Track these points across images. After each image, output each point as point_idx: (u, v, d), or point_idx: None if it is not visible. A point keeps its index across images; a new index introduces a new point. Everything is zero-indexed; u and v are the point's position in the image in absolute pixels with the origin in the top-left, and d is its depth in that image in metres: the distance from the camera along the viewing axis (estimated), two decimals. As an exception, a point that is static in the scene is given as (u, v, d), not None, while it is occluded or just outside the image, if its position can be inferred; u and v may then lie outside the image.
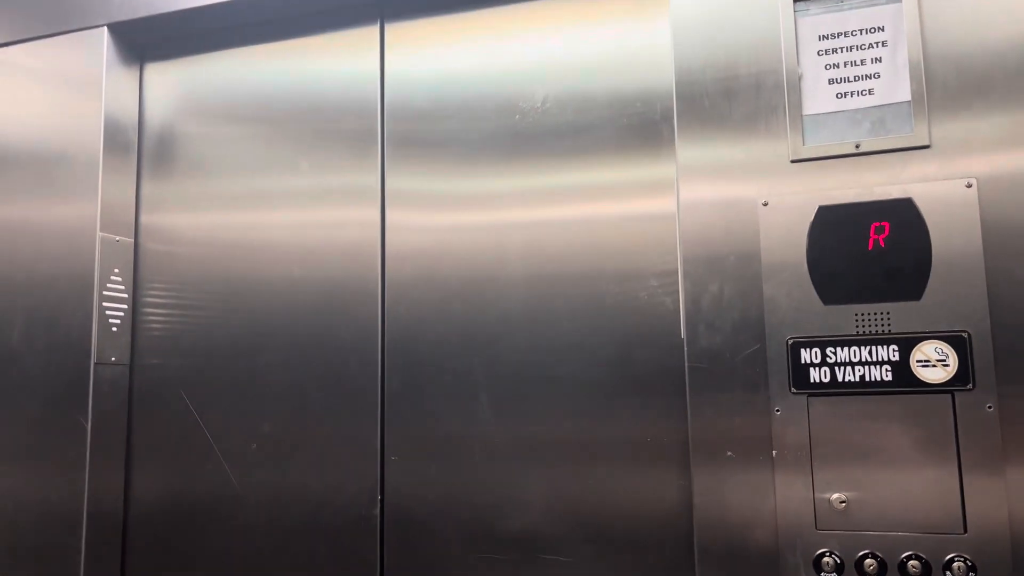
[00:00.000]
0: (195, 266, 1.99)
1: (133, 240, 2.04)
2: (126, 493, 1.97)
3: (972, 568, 1.31)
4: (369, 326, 1.83)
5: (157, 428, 1.97)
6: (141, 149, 2.08)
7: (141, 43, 2.10)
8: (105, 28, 2.02)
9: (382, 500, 1.77)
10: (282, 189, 1.95)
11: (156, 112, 2.09)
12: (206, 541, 1.90)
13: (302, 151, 1.94)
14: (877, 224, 1.41)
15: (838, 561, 1.37)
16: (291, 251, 1.92)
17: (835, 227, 1.43)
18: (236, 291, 1.95)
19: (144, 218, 2.06)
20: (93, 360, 1.91)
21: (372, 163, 1.88)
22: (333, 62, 1.95)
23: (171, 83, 2.09)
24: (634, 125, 1.70)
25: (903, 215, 1.40)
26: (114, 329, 1.98)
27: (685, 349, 1.50)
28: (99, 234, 1.94)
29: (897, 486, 1.36)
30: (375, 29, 1.93)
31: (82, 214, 1.96)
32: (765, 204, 1.48)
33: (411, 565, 1.74)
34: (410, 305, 1.81)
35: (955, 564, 1.31)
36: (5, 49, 2.09)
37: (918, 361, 1.36)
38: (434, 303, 1.79)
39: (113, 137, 2.01)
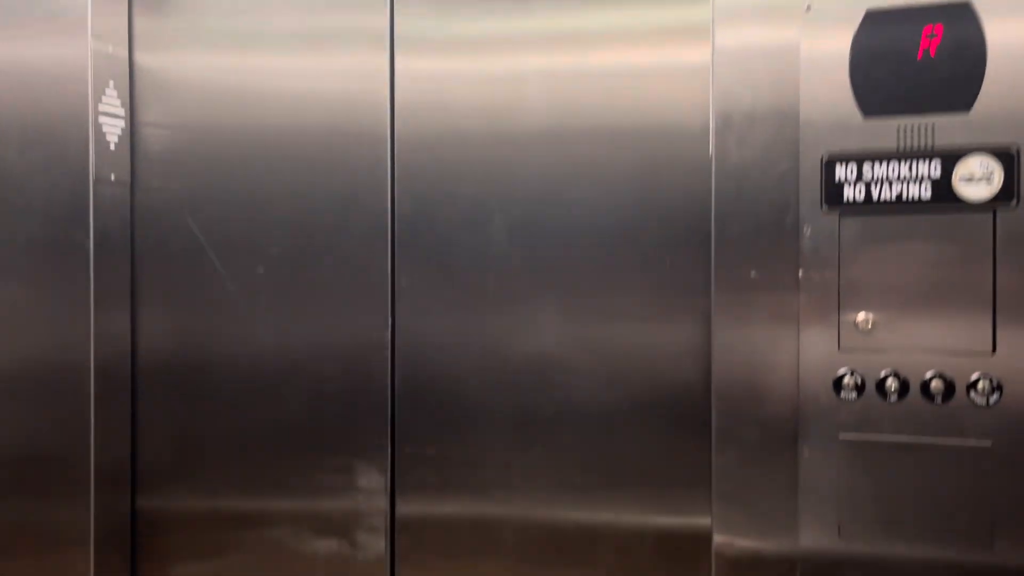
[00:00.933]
0: (195, 90, 1.89)
1: (127, 53, 1.93)
2: (133, 317, 1.94)
3: (997, 388, 1.28)
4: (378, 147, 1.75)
5: (161, 251, 1.92)
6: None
7: None
8: None
9: (393, 325, 1.74)
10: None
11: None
12: (213, 367, 1.88)
13: None
14: (929, 29, 1.30)
15: (859, 381, 1.34)
16: (295, 100, 1.81)
17: (882, 33, 1.33)
18: (241, 123, 1.86)
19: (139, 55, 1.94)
20: (92, 177, 1.84)
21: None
22: None
23: None
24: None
25: (959, 20, 1.29)
26: (112, 147, 1.89)
27: (713, 167, 1.43)
28: (91, 44, 1.83)
29: (927, 306, 1.32)
30: None
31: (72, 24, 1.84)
32: (808, 9, 1.37)
33: (423, 392, 1.73)
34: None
35: (980, 384, 1.29)
36: None
37: (961, 177, 1.29)
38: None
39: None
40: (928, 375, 1.31)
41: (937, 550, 1.32)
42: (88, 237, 1.84)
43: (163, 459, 1.91)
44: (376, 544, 1.74)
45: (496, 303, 1.67)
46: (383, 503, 1.73)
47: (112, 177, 1.89)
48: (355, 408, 1.78)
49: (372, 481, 1.75)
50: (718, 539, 1.44)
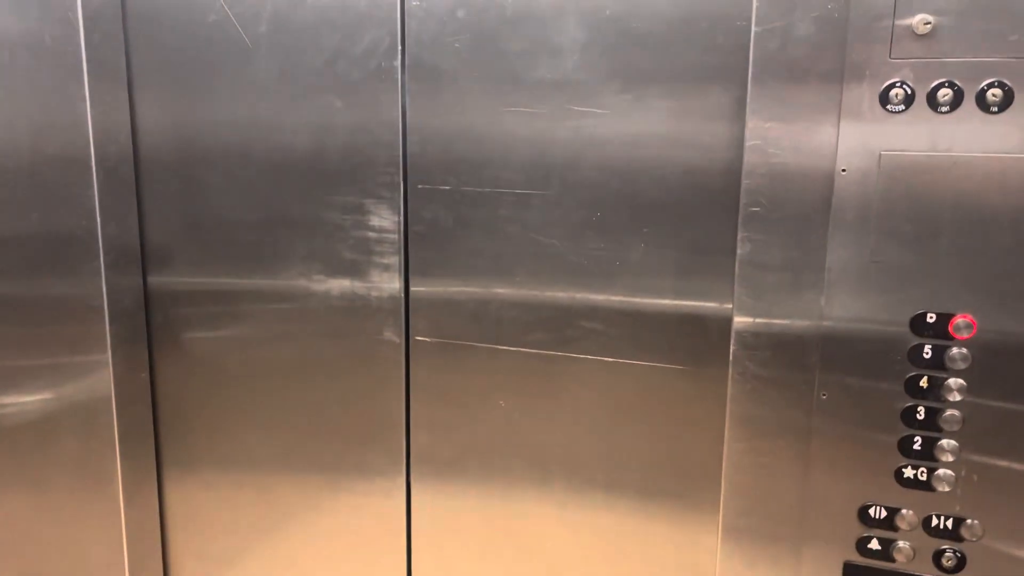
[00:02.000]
0: None
1: None
2: (128, 63, 1.83)
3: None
4: None
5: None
6: None
7: None
8: None
9: (403, 51, 1.62)
10: None
11: None
12: (220, 107, 1.79)
13: None
14: None
15: (909, 91, 1.24)
16: None
17: None
18: None
19: None
20: None
21: None
22: None
23: None
24: None
25: None
26: None
27: None
28: None
29: (994, 6, 1.19)
30: None
31: None
32: None
33: (432, 159, 1.63)
34: None
35: (1042, 95, 1.18)
36: None
37: None
38: None
39: None
40: (986, 83, 1.20)
41: (971, 263, 1.26)
42: (71, -43, 1.69)
43: (171, 228, 1.87)
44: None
45: (512, 30, 1.54)
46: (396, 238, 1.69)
47: None
48: (366, 151, 1.69)
49: (384, 224, 1.69)
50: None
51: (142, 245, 1.90)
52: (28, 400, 1.96)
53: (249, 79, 1.74)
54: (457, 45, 1.58)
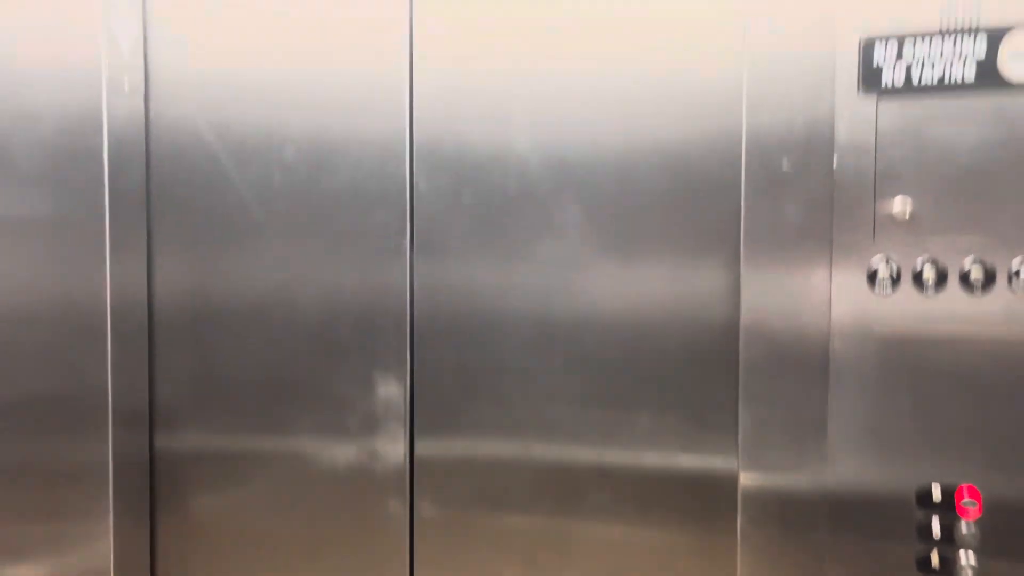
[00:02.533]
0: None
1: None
2: (148, 229, 1.92)
3: (1040, 276, 1.23)
4: None
5: (176, 159, 1.89)
6: None
7: None
8: None
9: (412, 226, 1.70)
10: None
11: None
12: (234, 277, 1.86)
13: None
14: (976, -102, 1.23)
15: (895, 273, 1.29)
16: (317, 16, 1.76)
17: (927, -96, 1.26)
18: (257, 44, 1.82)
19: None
20: (104, 79, 1.81)
21: None
22: None
23: None
24: None
25: None
26: (126, 55, 1.86)
27: (745, 54, 1.37)
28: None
29: (968, 194, 1.26)
30: None
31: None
32: None
33: (443, 303, 1.69)
34: None
35: (1022, 273, 1.23)
36: None
37: (1008, 54, 1.23)
38: None
39: None
40: (967, 265, 1.26)
41: (977, 442, 1.27)
42: (103, 144, 1.81)
43: (181, 393, 1.90)
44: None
45: (517, 212, 1.63)
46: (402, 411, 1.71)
47: (126, 87, 1.86)
48: (372, 323, 1.75)
49: (391, 392, 1.72)
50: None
51: (151, 408, 1.92)
52: (27, 573, 1.93)
53: (263, 251, 1.81)
54: (463, 224, 1.66)
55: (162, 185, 1.90)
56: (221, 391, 1.87)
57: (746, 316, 1.38)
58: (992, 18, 1.24)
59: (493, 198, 1.65)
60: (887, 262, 1.29)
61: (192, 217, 1.88)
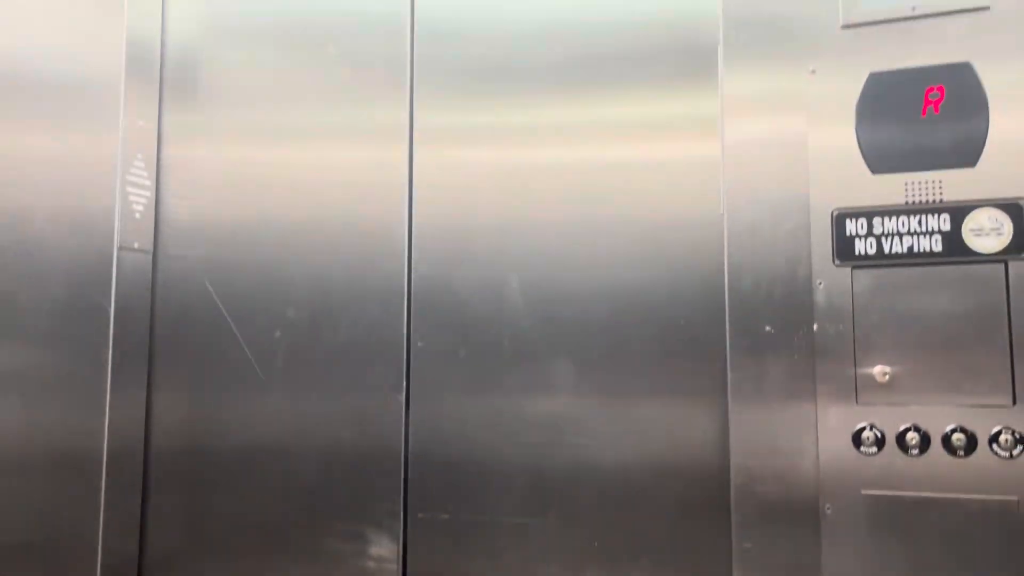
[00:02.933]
0: (219, 174, 1.96)
1: (156, 126, 2.01)
2: (149, 389, 1.96)
3: (1020, 440, 1.26)
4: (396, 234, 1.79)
5: (180, 316, 1.95)
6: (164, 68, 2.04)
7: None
8: (129, -92, 1.96)
9: (408, 387, 1.74)
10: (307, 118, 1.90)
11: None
12: (232, 429, 1.88)
13: (327, 76, 1.89)
14: (932, 89, 1.35)
15: (879, 435, 1.33)
16: (317, 184, 1.87)
17: (886, 94, 1.37)
18: (262, 204, 1.92)
19: (166, 147, 2.02)
20: (116, 244, 1.88)
21: (401, 94, 1.82)
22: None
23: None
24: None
25: (960, 80, 1.33)
26: (137, 216, 1.95)
27: (725, 224, 1.45)
28: (122, 119, 1.91)
29: (943, 359, 1.31)
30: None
31: (103, 104, 1.92)
32: (813, 72, 1.42)
33: (436, 456, 1.71)
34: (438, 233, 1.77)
35: (1002, 437, 1.27)
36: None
37: (971, 230, 1.31)
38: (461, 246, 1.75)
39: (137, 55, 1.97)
40: (949, 428, 1.30)
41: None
42: (110, 302, 1.87)
43: (171, 543, 1.89)
44: (387, 613, 1.70)
45: (510, 364, 1.67)
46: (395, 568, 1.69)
47: (136, 245, 1.94)
48: (367, 478, 1.76)
49: (384, 550, 1.71)
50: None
51: (140, 554, 1.89)
52: None
53: (262, 403, 1.84)
54: (458, 380, 1.71)
55: (165, 338, 1.95)
56: (213, 540, 1.85)
57: (736, 475, 1.40)
58: (953, 197, 1.32)
59: (488, 355, 1.69)
60: (871, 428, 1.33)
61: (193, 369, 1.92)
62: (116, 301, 1.88)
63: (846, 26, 1.41)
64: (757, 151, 1.44)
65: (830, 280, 1.37)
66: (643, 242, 1.61)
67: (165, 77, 2.02)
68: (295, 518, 1.79)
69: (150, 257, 1.98)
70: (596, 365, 1.62)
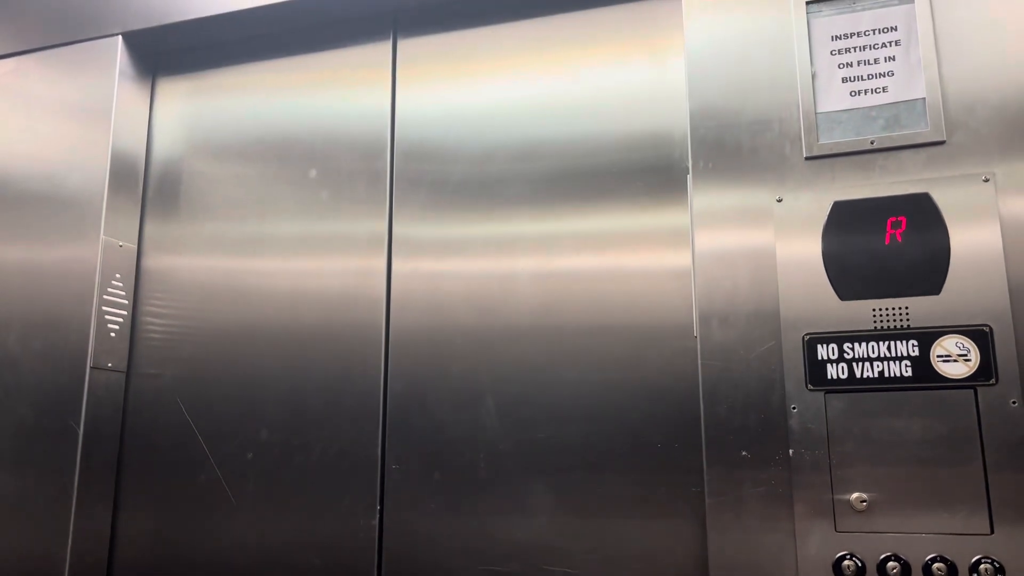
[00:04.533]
0: (199, 287, 1.97)
1: (136, 247, 2.02)
2: (116, 500, 1.91)
3: (1000, 570, 1.25)
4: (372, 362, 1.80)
5: (151, 435, 1.91)
6: (147, 179, 2.08)
7: (154, 53, 2.12)
8: (119, 37, 2.03)
9: (381, 511, 1.71)
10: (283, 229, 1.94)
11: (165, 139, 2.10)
12: (200, 553, 1.83)
13: (307, 188, 1.94)
14: (893, 219, 1.39)
15: (859, 564, 1.31)
16: (293, 297, 1.89)
17: (851, 222, 1.41)
18: (240, 318, 1.92)
19: (146, 259, 2.04)
20: (89, 364, 1.87)
21: (380, 208, 1.87)
22: (344, 94, 1.95)
23: (181, 107, 2.09)
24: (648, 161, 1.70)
25: (920, 209, 1.38)
26: (112, 335, 1.94)
27: (698, 346, 1.46)
28: (102, 238, 1.92)
29: (920, 485, 1.31)
30: (387, 54, 1.94)
31: (84, 220, 1.94)
32: (780, 200, 1.46)
33: (409, 583, 1.67)
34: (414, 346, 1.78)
35: (982, 566, 1.25)
36: (16, 59, 2.10)
37: (938, 356, 1.33)
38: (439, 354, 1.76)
39: (120, 164, 2.01)
40: (928, 558, 1.28)
41: None
42: (79, 423, 1.84)
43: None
44: None
45: (486, 487, 1.65)
46: None
47: (109, 364, 1.92)
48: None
49: None
50: None
51: None
52: None
53: (231, 529, 1.79)
54: (432, 504, 1.67)
55: (135, 457, 1.91)
56: None
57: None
58: (920, 323, 1.35)
59: (463, 477, 1.67)
60: (851, 556, 1.31)
61: (162, 490, 1.87)
62: (86, 422, 1.85)
63: (809, 157, 1.47)
64: (727, 271, 1.47)
65: (803, 405, 1.38)
66: (619, 354, 1.62)
67: (148, 190, 2.05)
68: (262, 651, 1.72)
69: (123, 377, 1.96)
70: (573, 489, 1.60)
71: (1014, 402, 1.28)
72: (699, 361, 1.46)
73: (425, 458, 1.70)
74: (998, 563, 1.25)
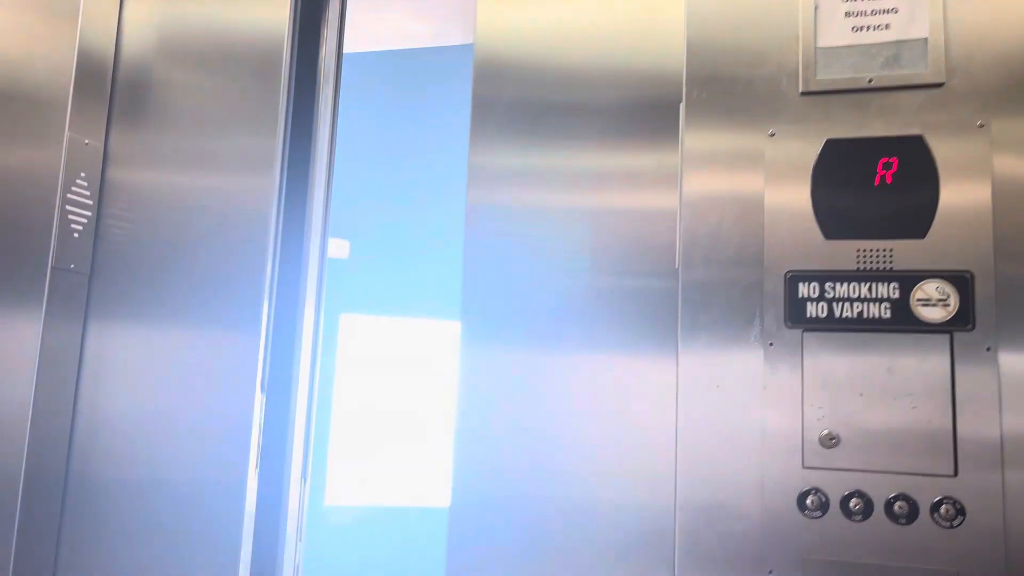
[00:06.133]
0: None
1: (103, 145, 1.94)
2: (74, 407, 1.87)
3: (960, 511, 1.27)
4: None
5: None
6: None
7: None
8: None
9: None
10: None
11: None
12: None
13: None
14: (885, 160, 1.37)
15: (823, 499, 1.33)
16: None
17: (841, 161, 1.39)
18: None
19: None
20: (50, 264, 1.80)
21: None
22: None
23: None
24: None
25: (912, 152, 1.37)
26: (76, 236, 1.87)
27: (679, 279, 1.45)
28: (67, 134, 1.84)
29: (888, 426, 1.32)
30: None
31: (49, 116, 1.86)
32: (772, 135, 1.44)
33: None
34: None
35: (943, 507, 1.28)
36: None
37: (918, 300, 1.33)
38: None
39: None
40: (891, 496, 1.30)
41: None
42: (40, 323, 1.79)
43: None
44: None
45: None
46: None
47: (72, 266, 1.86)
48: None
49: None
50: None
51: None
52: None
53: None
54: None
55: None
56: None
57: (681, 515, 1.38)
58: (903, 266, 1.34)
59: None
60: (816, 492, 1.33)
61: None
62: (45, 325, 1.79)
63: (805, 93, 1.44)
64: (714, 205, 1.45)
65: (781, 342, 1.38)
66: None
67: (116, 91, 1.96)
68: None
69: (86, 279, 1.90)
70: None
71: (988, 348, 1.29)
72: (679, 294, 1.45)
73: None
74: (960, 504, 1.27)
